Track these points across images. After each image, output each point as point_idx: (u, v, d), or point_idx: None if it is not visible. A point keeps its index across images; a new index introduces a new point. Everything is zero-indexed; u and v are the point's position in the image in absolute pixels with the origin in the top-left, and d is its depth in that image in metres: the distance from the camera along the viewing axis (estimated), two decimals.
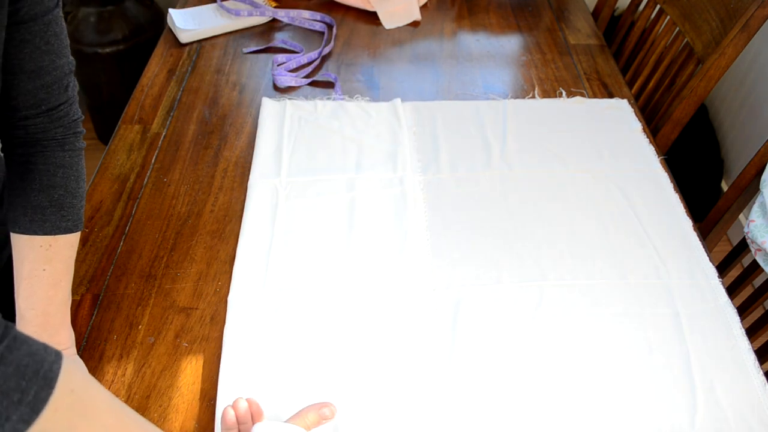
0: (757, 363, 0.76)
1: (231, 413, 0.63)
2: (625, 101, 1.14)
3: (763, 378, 0.74)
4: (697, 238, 0.90)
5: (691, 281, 0.84)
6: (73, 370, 0.45)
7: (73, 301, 0.79)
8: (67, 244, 0.69)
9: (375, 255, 0.85)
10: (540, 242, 0.88)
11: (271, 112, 1.07)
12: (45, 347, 0.45)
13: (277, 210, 0.90)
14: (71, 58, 0.66)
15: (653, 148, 1.05)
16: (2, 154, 0.72)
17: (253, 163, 0.98)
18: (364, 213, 0.91)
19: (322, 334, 0.77)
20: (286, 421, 0.64)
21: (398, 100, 1.11)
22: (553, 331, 0.78)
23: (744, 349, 0.77)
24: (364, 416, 0.70)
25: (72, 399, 0.44)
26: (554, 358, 0.75)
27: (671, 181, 0.99)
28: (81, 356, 0.74)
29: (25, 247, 0.67)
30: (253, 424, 0.63)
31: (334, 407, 0.66)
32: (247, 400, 0.64)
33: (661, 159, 1.03)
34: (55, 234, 0.68)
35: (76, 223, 0.70)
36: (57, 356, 0.45)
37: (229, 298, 0.79)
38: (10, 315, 0.84)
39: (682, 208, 0.94)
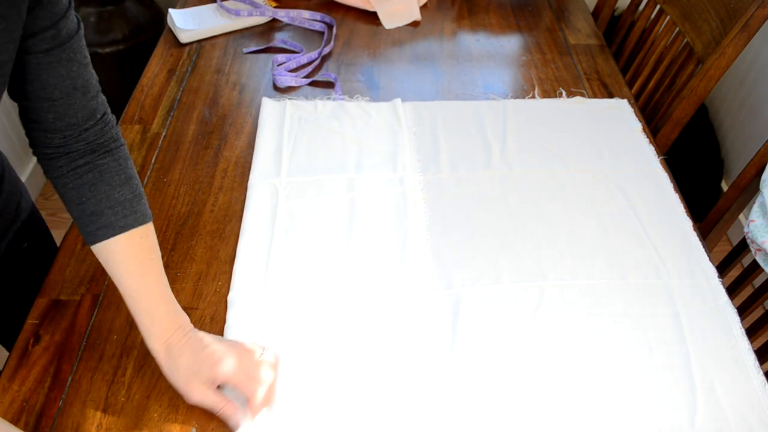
0: (757, 363, 0.76)
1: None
2: (625, 101, 1.14)
3: (763, 378, 0.74)
4: (697, 238, 0.90)
5: (691, 281, 0.84)
6: None
7: (72, 301, 0.80)
8: (153, 230, 0.72)
9: (375, 255, 0.85)
10: (540, 242, 0.88)
11: (271, 112, 1.07)
12: None
13: (277, 210, 0.90)
14: None
15: (653, 148, 1.05)
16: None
17: (253, 163, 0.98)
18: (364, 213, 0.91)
19: (322, 334, 0.77)
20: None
21: (398, 100, 1.11)
22: (553, 331, 0.78)
23: (744, 349, 0.77)
24: (365, 416, 0.70)
25: None
26: (554, 358, 0.75)
27: (671, 181, 0.99)
28: (81, 357, 0.74)
29: (127, 247, 0.68)
30: None
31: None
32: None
33: (661, 159, 1.03)
34: (147, 222, 0.70)
35: (149, 209, 0.72)
36: None
37: (229, 298, 0.79)
38: (7, 304, 0.84)
39: (682, 208, 0.94)
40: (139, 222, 0.69)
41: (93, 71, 0.66)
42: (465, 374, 0.73)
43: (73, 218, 0.69)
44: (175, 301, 0.71)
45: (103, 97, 0.69)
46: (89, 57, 0.66)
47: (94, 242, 0.68)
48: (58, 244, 0.87)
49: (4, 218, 0.84)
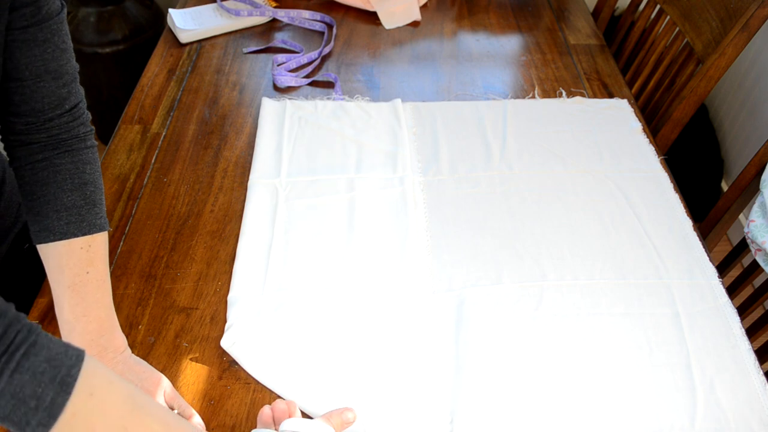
0: (757, 363, 0.76)
1: (267, 410, 0.63)
2: (625, 101, 1.14)
3: (763, 378, 0.74)
4: (697, 238, 0.90)
5: (691, 281, 0.84)
6: (93, 372, 0.45)
7: None
8: (103, 243, 0.69)
9: (375, 256, 0.85)
10: (540, 242, 0.88)
11: (271, 112, 1.07)
12: (66, 350, 0.45)
13: (276, 210, 0.90)
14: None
15: (653, 148, 1.05)
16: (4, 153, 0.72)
17: (252, 163, 0.98)
18: (364, 213, 0.91)
19: (322, 335, 0.77)
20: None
21: (398, 101, 1.11)
22: (553, 332, 0.78)
23: (744, 350, 0.77)
24: (365, 417, 0.70)
25: (92, 402, 0.45)
26: (555, 358, 0.75)
27: (671, 181, 0.99)
28: None
29: (64, 255, 0.65)
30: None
31: (355, 412, 0.64)
32: (286, 402, 0.63)
33: (661, 159, 1.03)
34: (93, 232, 0.67)
35: (106, 220, 0.69)
36: (77, 359, 0.45)
37: (229, 298, 0.79)
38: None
39: (682, 208, 0.94)
40: (83, 231, 0.66)
41: (72, 59, 0.64)
42: (466, 375, 0.73)
43: (24, 212, 0.67)
44: (110, 321, 0.67)
45: (80, 90, 0.67)
46: (70, 44, 0.64)
47: (36, 242, 0.66)
48: None
49: (5, 220, 0.84)
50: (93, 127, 0.71)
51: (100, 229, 0.68)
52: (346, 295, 0.81)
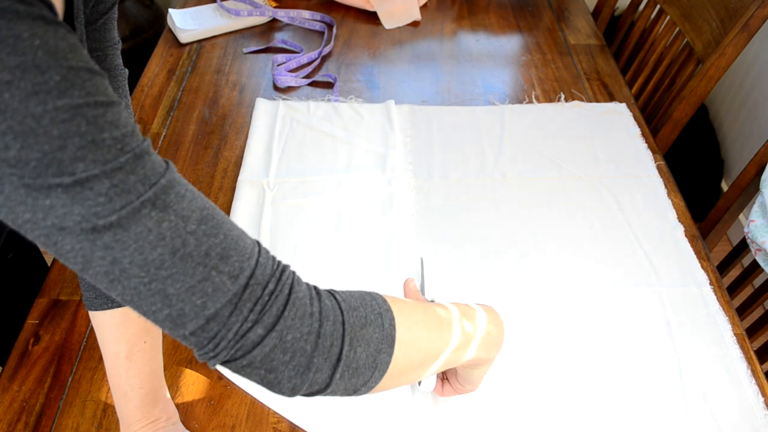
0: (749, 371, 0.75)
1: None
2: (623, 105, 1.13)
3: (756, 387, 0.73)
4: (689, 245, 0.89)
5: (682, 289, 0.83)
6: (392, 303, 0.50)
7: (72, 301, 0.80)
8: None
9: (362, 258, 0.85)
10: (529, 250, 0.88)
11: (264, 113, 1.07)
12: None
13: (263, 210, 0.90)
14: None
15: (650, 153, 1.04)
16: None
17: (243, 162, 0.98)
18: (351, 215, 0.90)
19: None
20: None
21: (391, 102, 1.10)
22: (542, 340, 0.77)
23: (736, 358, 0.76)
24: (357, 424, 0.69)
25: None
26: (544, 366, 0.75)
27: (666, 187, 0.98)
28: (81, 357, 0.74)
29: (121, 324, 0.63)
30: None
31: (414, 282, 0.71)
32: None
33: (658, 164, 1.02)
34: None
35: None
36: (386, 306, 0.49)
37: None
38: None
39: (675, 214, 0.93)
40: None
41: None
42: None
43: (78, 276, 0.64)
44: (162, 390, 0.66)
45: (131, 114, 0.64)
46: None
47: (90, 309, 0.63)
48: None
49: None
50: None
51: None
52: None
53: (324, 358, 0.43)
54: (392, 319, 0.48)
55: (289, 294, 0.43)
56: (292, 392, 0.44)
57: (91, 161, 0.34)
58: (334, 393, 0.46)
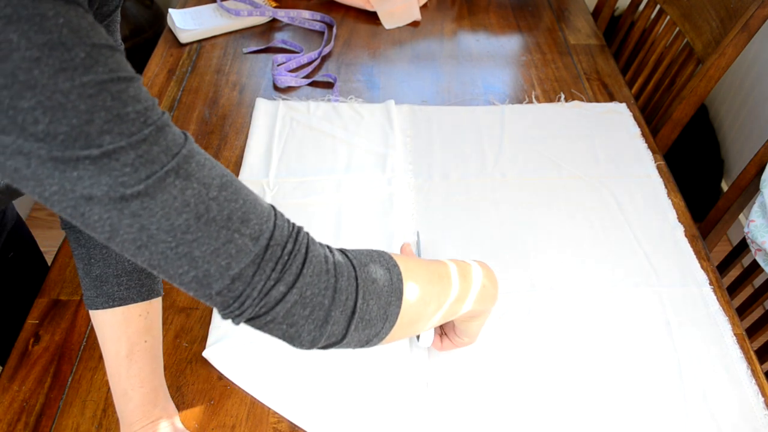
0: (749, 371, 0.75)
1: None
2: (623, 105, 1.13)
3: (756, 387, 0.73)
4: (689, 245, 0.89)
5: (682, 289, 0.83)
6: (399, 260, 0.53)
7: (72, 301, 0.80)
8: (159, 309, 0.67)
9: None
10: (529, 250, 0.87)
11: (264, 113, 1.07)
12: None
13: None
14: None
15: (650, 153, 1.04)
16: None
17: (243, 162, 0.98)
18: (351, 214, 0.90)
19: None
20: None
21: (391, 102, 1.10)
22: (542, 340, 0.77)
23: (736, 358, 0.76)
24: (354, 421, 0.69)
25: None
26: (544, 366, 0.75)
27: (666, 187, 0.98)
28: (81, 357, 0.74)
29: (122, 323, 0.63)
30: None
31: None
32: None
33: (658, 164, 1.02)
34: (152, 298, 0.65)
35: (161, 284, 0.67)
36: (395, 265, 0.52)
37: None
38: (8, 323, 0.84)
39: (675, 214, 0.93)
40: (142, 297, 0.64)
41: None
42: (452, 382, 0.73)
43: (78, 275, 0.65)
44: (163, 390, 0.66)
45: None
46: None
47: (91, 308, 0.64)
48: (59, 243, 0.87)
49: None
50: None
51: (157, 295, 0.66)
52: None
53: (340, 311, 0.46)
54: (399, 273, 0.51)
55: (306, 253, 0.45)
56: (311, 344, 0.47)
57: (117, 134, 0.36)
58: (348, 345, 0.49)
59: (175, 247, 0.40)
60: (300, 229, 0.47)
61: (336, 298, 0.46)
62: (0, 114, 0.34)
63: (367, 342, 0.50)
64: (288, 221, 0.46)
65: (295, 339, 0.47)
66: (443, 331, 0.72)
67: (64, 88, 0.34)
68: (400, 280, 0.51)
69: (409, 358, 0.75)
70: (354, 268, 0.48)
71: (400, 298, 0.51)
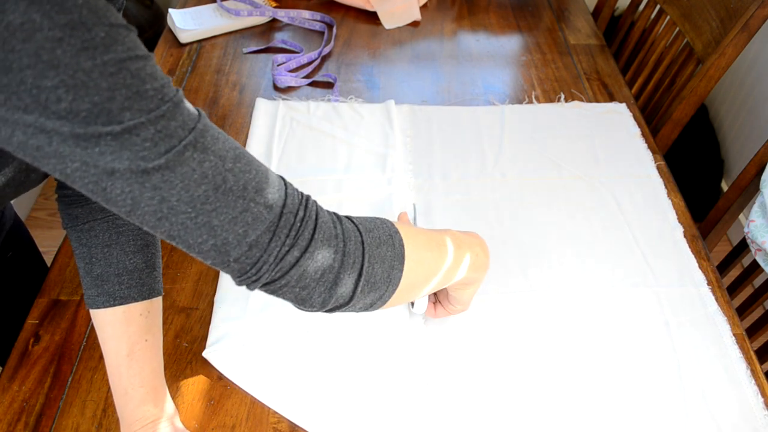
0: (748, 371, 0.75)
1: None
2: (623, 105, 1.13)
3: (755, 387, 0.73)
4: (688, 245, 0.89)
5: (680, 289, 0.83)
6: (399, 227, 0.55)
7: (72, 301, 0.80)
8: (160, 308, 0.67)
9: None
10: (529, 250, 0.87)
11: (264, 113, 1.07)
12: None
13: None
14: None
15: (650, 153, 1.04)
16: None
17: None
18: (351, 214, 0.90)
19: (307, 336, 0.76)
20: None
21: (391, 102, 1.10)
22: (541, 340, 0.77)
23: (735, 358, 0.76)
24: (355, 423, 0.70)
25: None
26: (543, 367, 0.75)
27: (665, 187, 0.98)
28: (81, 357, 0.74)
29: (123, 322, 0.63)
30: None
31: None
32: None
33: (658, 164, 1.02)
34: (153, 297, 0.65)
35: (162, 284, 0.68)
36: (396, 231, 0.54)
37: (216, 298, 0.79)
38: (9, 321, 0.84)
39: (674, 214, 0.93)
40: (143, 296, 0.64)
41: None
42: (452, 381, 0.73)
43: (80, 275, 0.65)
44: (163, 389, 0.66)
45: None
46: None
47: (92, 307, 0.64)
48: (59, 244, 0.87)
49: None
50: None
51: (158, 294, 0.66)
52: None
53: (348, 274, 0.49)
54: (401, 239, 0.54)
55: (316, 219, 0.48)
56: (321, 306, 0.50)
57: (137, 110, 0.37)
58: (353, 307, 0.52)
59: (194, 218, 0.42)
60: (308, 197, 0.49)
61: (345, 262, 0.48)
62: (23, 93, 0.35)
63: (371, 305, 0.53)
64: (297, 190, 0.49)
65: (306, 301, 0.49)
66: (437, 299, 0.75)
67: (86, 66, 0.35)
68: (402, 246, 0.53)
69: (407, 328, 0.77)
70: (360, 233, 0.51)
71: (402, 263, 0.53)
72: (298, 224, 0.46)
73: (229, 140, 0.44)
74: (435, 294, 0.75)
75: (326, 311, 0.51)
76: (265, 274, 0.46)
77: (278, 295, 0.49)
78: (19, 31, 0.33)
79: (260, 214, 0.44)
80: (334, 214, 0.51)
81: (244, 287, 0.48)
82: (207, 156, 0.41)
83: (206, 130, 0.42)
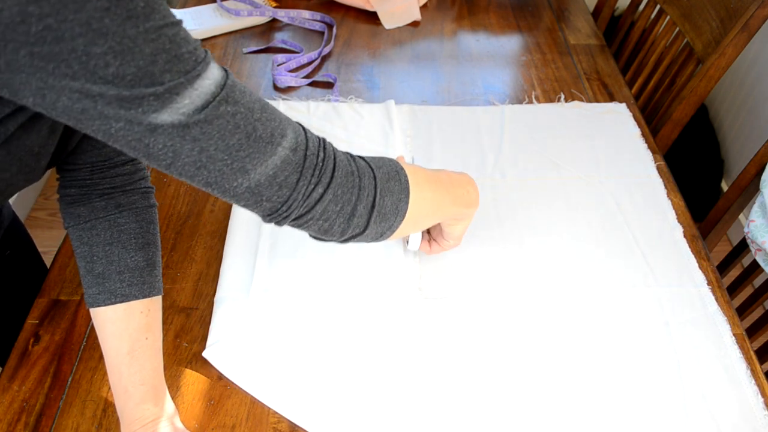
0: (748, 371, 0.75)
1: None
2: (623, 105, 1.13)
3: (755, 387, 0.73)
4: (688, 245, 0.89)
5: (680, 289, 0.83)
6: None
7: (72, 301, 0.80)
8: (160, 307, 0.68)
9: (361, 258, 0.84)
10: (529, 250, 0.87)
11: None
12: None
13: None
14: None
15: (650, 153, 1.04)
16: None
17: None
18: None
19: (308, 336, 0.76)
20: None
21: (391, 102, 1.10)
22: (541, 340, 0.77)
23: (735, 358, 0.76)
24: (355, 422, 0.70)
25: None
26: (542, 367, 0.74)
27: (665, 187, 0.98)
28: (81, 357, 0.74)
29: (123, 320, 0.64)
30: None
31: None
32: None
33: (658, 164, 1.02)
34: (153, 296, 0.66)
35: (162, 282, 0.68)
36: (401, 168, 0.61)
37: (216, 298, 0.79)
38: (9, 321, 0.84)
39: (674, 214, 0.93)
40: (144, 294, 0.65)
41: None
42: (451, 382, 0.73)
43: (80, 274, 0.65)
44: (163, 389, 0.66)
45: None
46: None
47: (93, 306, 0.64)
48: (59, 244, 0.87)
49: None
50: (154, 187, 0.70)
51: (158, 293, 0.67)
52: (332, 295, 0.80)
53: (363, 206, 0.55)
54: (406, 175, 0.60)
55: (335, 158, 0.54)
56: (340, 236, 0.56)
57: (176, 72, 0.42)
58: (366, 237, 0.58)
59: (230, 164, 0.47)
60: (325, 139, 0.54)
61: (360, 195, 0.55)
62: (73, 60, 0.38)
63: (381, 234, 0.59)
64: (314, 134, 0.54)
65: (328, 232, 0.55)
66: (431, 236, 0.81)
67: (131, 33, 0.38)
68: (407, 181, 0.60)
69: (402, 264, 0.83)
70: (372, 169, 0.57)
71: (408, 196, 0.59)
72: (321, 164, 0.52)
73: (253, 93, 0.49)
74: (428, 232, 0.81)
75: (343, 241, 0.57)
76: (295, 211, 0.52)
77: (303, 229, 0.55)
78: (71, 3, 0.36)
79: (287, 157, 0.49)
80: (348, 153, 0.56)
81: (272, 224, 0.55)
82: (238, 108, 0.46)
83: (235, 85, 0.46)
